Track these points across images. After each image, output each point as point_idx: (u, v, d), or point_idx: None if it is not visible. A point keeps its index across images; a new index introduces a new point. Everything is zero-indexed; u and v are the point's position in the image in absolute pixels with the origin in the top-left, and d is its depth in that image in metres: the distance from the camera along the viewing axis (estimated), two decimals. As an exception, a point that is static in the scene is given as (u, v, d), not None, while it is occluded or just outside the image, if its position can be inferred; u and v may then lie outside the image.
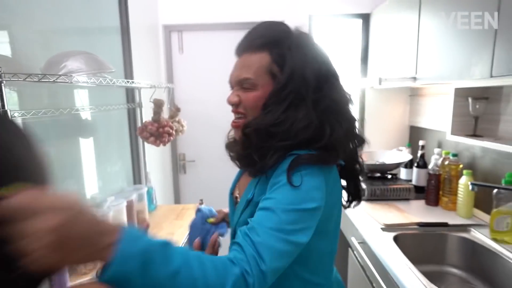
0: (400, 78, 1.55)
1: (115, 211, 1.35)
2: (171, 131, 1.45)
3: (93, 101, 1.39)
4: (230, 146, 0.79)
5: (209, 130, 2.40)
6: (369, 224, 1.41)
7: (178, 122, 1.68)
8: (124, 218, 1.41)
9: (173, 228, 1.53)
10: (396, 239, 1.29)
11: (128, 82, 1.43)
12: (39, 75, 0.83)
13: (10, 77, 0.78)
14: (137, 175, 1.77)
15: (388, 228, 1.36)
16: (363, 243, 1.36)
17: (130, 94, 1.71)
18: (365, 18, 2.16)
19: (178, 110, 1.63)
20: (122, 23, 1.66)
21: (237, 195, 0.79)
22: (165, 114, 1.69)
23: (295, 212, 0.57)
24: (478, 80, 1.16)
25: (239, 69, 0.70)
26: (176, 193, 2.49)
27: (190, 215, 1.70)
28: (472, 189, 1.13)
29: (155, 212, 1.77)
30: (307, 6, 2.15)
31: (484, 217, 1.44)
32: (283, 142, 0.62)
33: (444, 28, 1.28)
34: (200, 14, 2.21)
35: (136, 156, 1.76)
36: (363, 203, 1.67)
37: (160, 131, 1.43)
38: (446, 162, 1.56)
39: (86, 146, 1.37)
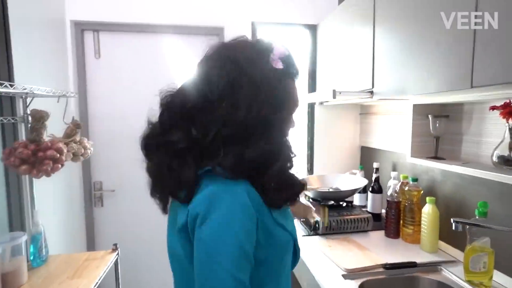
0: (355, 92, 1.35)
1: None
2: (57, 155, 1.01)
3: None
4: None
5: (133, 152, 1.95)
6: (328, 270, 1.13)
7: (80, 143, 1.25)
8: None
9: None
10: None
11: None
12: None
13: None
14: (17, 217, 1.27)
15: (351, 274, 1.09)
16: (322, 297, 1.06)
17: (7, 104, 1.23)
18: (312, 29, 2.00)
19: (77, 126, 1.20)
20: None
21: None
22: (59, 131, 1.25)
23: None
24: (442, 93, 0.99)
25: None
26: (89, 233, 1.96)
27: (94, 268, 1.24)
28: (456, 228, 0.93)
29: (43, 268, 1.27)
30: (249, 13, 1.92)
31: (450, 250, 1.27)
32: None
33: (403, 39, 1.11)
34: (123, 11, 1.82)
35: (16, 191, 1.26)
36: (317, 239, 1.39)
37: (40, 155, 0.98)
38: (406, 188, 1.39)
39: None
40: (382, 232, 1.47)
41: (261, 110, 0.59)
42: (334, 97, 1.27)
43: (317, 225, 1.45)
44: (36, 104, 1.26)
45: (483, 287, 1.01)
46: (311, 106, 2.04)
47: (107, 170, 1.96)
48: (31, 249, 1.28)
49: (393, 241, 1.39)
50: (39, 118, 1.03)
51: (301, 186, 0.66)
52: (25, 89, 1.12)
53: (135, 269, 1.99)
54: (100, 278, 1.20)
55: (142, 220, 1.98)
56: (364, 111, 1.99)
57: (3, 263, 1.11)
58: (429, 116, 1.25)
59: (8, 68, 1.22)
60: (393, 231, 1.42)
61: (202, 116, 0.60)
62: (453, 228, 0.92)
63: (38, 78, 1.46)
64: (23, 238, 1.16)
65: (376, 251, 1.27)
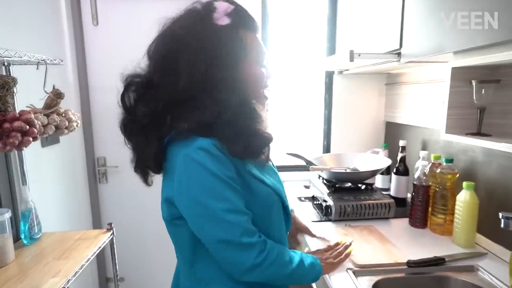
0: (378, 54, 1.11)
1: None
2: (26, 127, 0.89)
3: None
4: None
5: (136, 127, 1.84)
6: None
7: (64, 114, 1.13)
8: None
9: (42, 277, 0.98)
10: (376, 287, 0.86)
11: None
12: None
13: None
14: (6, 194, 1.20)
15: (363, 271, 0.92)
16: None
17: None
18: (332, -16, 1.72)
19: (58, 96, 1.07)
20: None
21: None
22: (37, 101, 1.14)
23: None
24: (496, 48, 0.75)
25: None
26: (95, 210, 1.91)
27: (84, 249, 1.16)
28: (506, 225, 0.72)
29: (34, 246, 1.21)
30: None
31: (488, 245, 1.05)
32: None
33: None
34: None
35: (4, 167, 1.18)
36: (331, 225, 1.23)
37: (5, 127, 0.86)
38: (438, 170, 1.16)
39: None
40: (406, 220, 1.27)
41: (204, 72, 0.60)
42: (351, 59, 1.04)
43: (329, 210, 1.27)
44: (21, 72, 1.15)
45: (533, 295, 0.80)
46: (329, 76, 1.80)
47: (111, 145, 1.88)
48: (21, 227, 1.22)
49: (418, 232, 1.19)
50: (2, 84, 0.91)
51: (263, 139, 0.64)
52: None
53: (141, 245, 1.94)
54: (88, 261, 1.12)
55: (147, 196, 1.91)
56: (390, 81, 1.73)
57: (-14, 241, 1.04)
58: (473, 82, 1.00)
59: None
60: (420, 220, 1.21)
61: (150, 91, 0.65)
62: (502, 225, 0.71)
63: (29, 46, 1.34)
64: (6, 215, 1.08)
65: (397, 241, 1.08)
